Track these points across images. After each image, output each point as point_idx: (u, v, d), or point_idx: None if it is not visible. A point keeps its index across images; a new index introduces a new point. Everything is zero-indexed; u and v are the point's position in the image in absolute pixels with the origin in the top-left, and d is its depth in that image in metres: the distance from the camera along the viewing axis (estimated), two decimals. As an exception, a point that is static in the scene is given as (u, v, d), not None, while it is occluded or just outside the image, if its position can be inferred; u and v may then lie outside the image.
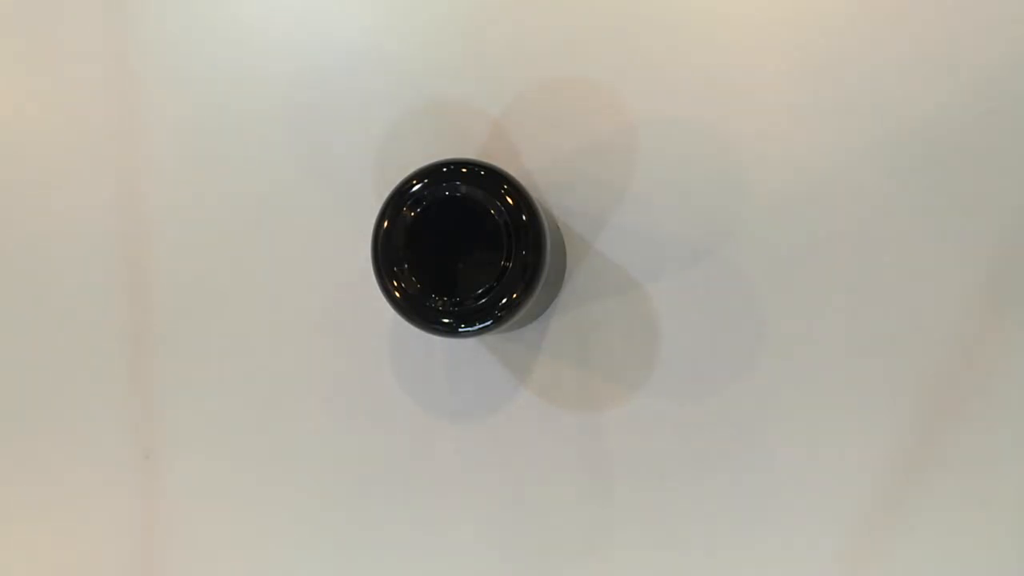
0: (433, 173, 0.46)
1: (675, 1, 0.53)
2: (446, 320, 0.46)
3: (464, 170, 0.45)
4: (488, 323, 0.45)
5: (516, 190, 0.45)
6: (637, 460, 0.53)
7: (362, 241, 0.47)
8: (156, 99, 0.58)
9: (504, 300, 0.45)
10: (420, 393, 0.55)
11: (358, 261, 0.53)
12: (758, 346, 0.52)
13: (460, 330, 0.45)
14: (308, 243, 0.56)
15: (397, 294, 0.46)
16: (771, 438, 0.52)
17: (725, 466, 0.52)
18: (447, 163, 0.46)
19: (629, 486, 0.53)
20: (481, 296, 0.45)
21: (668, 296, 0.52)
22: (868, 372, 0.51)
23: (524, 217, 0.45)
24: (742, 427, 0.52)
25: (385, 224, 0.46)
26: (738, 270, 0.52)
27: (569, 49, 0.54)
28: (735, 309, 0.52)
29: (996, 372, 0.50)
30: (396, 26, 0.56)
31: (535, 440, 0.54)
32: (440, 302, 0.46)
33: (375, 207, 0.46)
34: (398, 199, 0.46)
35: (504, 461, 0.54)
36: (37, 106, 0.59)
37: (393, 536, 0.55)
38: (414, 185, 0.46)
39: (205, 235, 0.57)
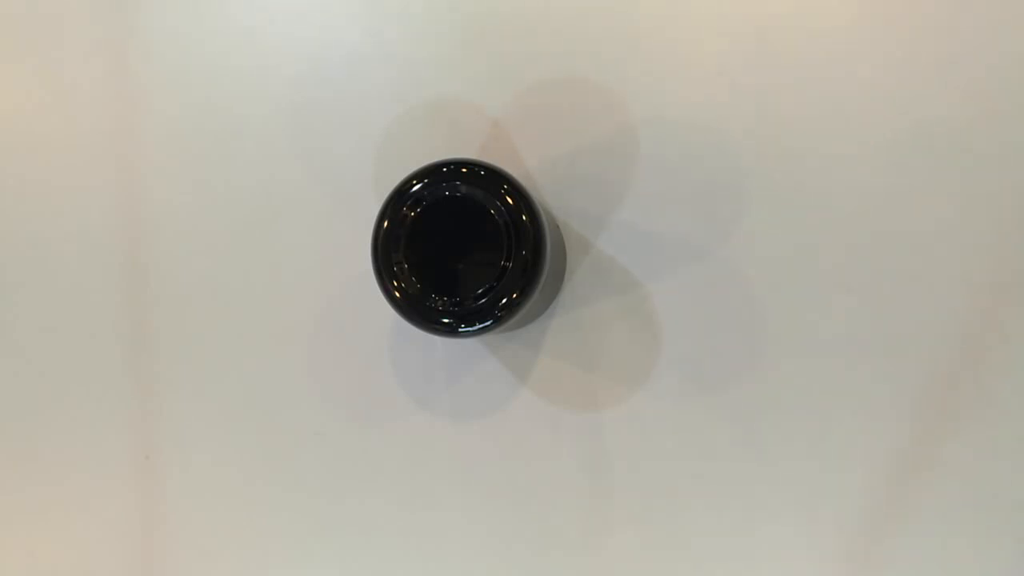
0: (433, 173, 0.46)
1: (675, 1, 0.53)
2: (446, 320, 0.46)
3: (464, 170, 0.45)
4: (488, 323, 0.45)
5: (516, 190, 0.45)
6: (637, 460, 0.53)
7: (362, 241, 0.47)
8: (156, 99, 0.58)
9: (504, 300, 0.45)
10: (420, 393, 0.55)
11: (358, 261, 0.53)
12: (758, 346, 0.52)
13: (460, 330, 0.45)
14: (308, 243, 0.56)
15: (397, 294, 0.46)
16: (771, 438, 0.52)
17: (725, 466, 0.52)
18: (447, 163, 0.46)
19: (629, 486, 0.53)
20: (481, 296, 0.45)
21: (668, 296, 0.52)
22: (868, 372, 0.51)
23: (524, 217, 0.45)
24: (742, 427, 0.52)
25: (385, 224, 0.46)
26: (738, 270, 0.52)
27: (569, 49, 0.54)
28: (735, 309, 0.52)
29: (996, 372, 0.50)
30: (396, 26, 0.56)
31: (535, 440, 0.54)
32: (440, 302, 0.46)
33: (375, 207, 0.46)
34: (398, 199, 0.46)
35: (504, 461, 0.54)
36: (37, 106, 0.59)
37: (393, 536, 0.55)
38: (414, 185, 0.46)
39: (205, 235, 0.57)
